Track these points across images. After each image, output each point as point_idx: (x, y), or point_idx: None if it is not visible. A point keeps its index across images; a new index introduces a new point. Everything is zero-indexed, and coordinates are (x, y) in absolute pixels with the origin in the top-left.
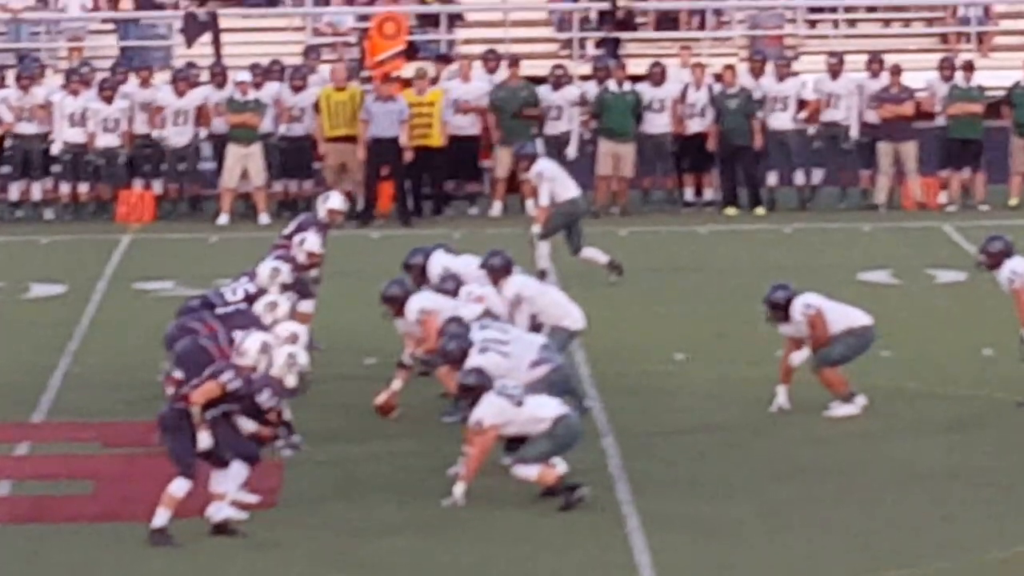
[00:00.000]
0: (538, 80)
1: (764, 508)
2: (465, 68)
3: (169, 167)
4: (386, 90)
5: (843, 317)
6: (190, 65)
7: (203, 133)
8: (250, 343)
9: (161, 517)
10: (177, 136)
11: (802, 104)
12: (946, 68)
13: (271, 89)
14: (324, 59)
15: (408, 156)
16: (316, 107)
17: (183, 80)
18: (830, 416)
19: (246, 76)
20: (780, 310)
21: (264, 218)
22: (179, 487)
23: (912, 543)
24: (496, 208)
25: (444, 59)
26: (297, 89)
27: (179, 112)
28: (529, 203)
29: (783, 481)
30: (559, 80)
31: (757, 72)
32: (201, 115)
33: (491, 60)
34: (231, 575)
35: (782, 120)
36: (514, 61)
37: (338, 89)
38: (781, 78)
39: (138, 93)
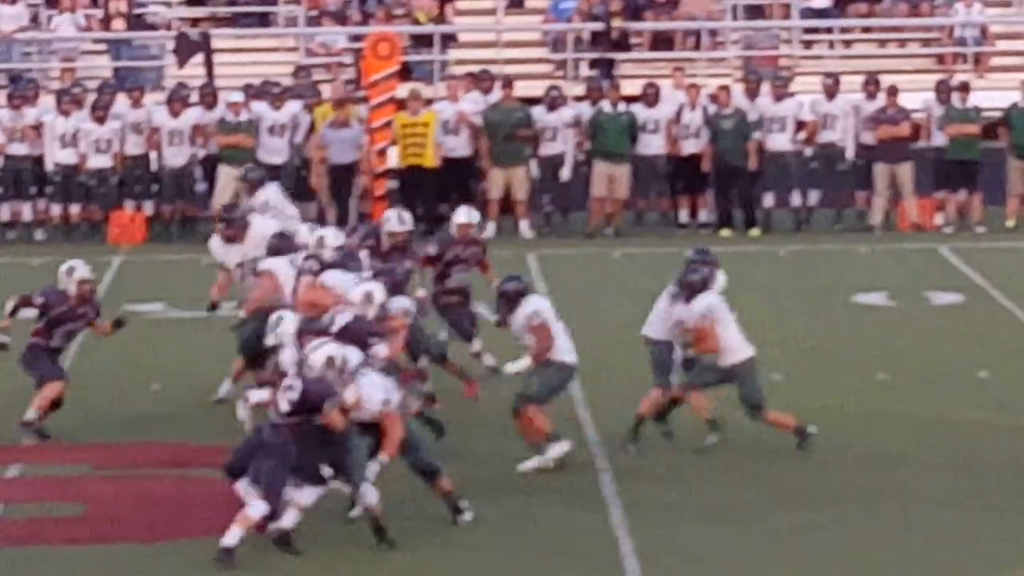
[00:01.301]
0: (532, 101)
1: (761, 534)
2: (453, 88)
3: (165, 188)
4: (341, 117)
5: (561, 348)
6: (181, 85)
7: (201, 153)
8: (316, 358)
9: (233, 536)
10: (174, 157)
11: (800, 125)
12: (942, 90)
13: (258, 109)
14: (316, 79)
15: (363, 181)
16: (312, 127)
17: (178, 100)
18: (522, 470)
19: (238, 96)
20: (510, 301)
21: None
22: (257, 510)
23: (911, 569)
24: (490, 229)
25: (485, 77)
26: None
27: (174, 132)
28: (523, 224)
29: (780, 507)
30: (554, 101)
31: (752, 93)
32: (197, 135)
33: (485, 80)
34: None
35: (780, 141)
36: (507, 82)
37: (334, 107)
38: (778, 99)
39: (129, 114)
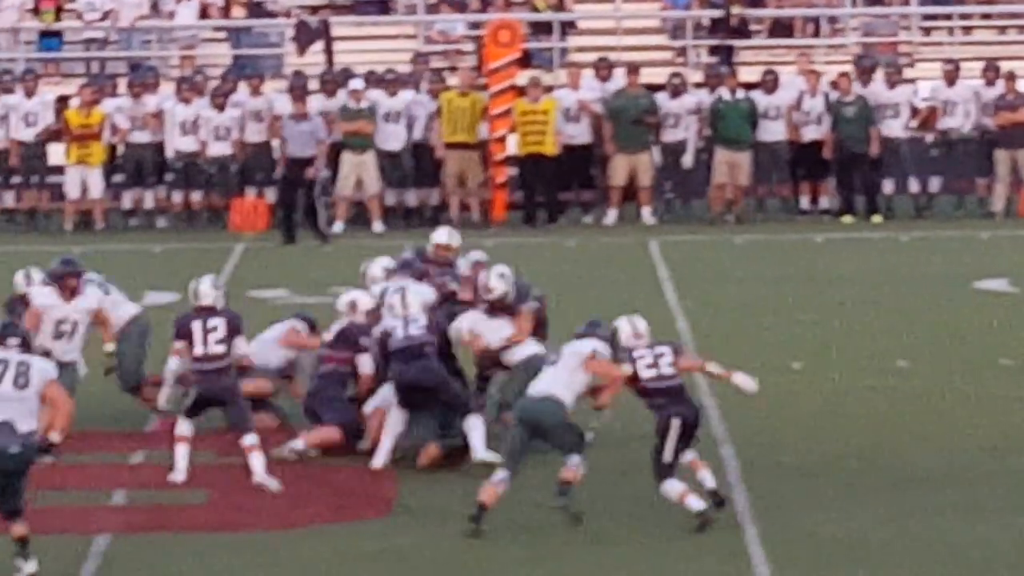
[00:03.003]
0: (651, 88)
1: (884, 519)
2: (574, 76)
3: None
4: (300, 109)
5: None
6: (296, 74)
7: None
8: None
9: (698, 502)
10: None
11: (914, 111)
12: None
13: (373, 96)
14: (434, 66)
15: (310, 173)
16: (438, 112)
17: (299, 88)
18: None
19: (359, 84)
20: None
21: (378, 226)
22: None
23: None
24: (611, 216)
25: (603, 65)
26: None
27: None
28: (645, 211)
29: (904, 492)
30: (677, 88)
31: (864, 79)
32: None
33: (603, 68)
34: None
35: (894, 128)
36: (633, 68)
37: (461, 95)
38: (892, 85)
39: (249, 102)
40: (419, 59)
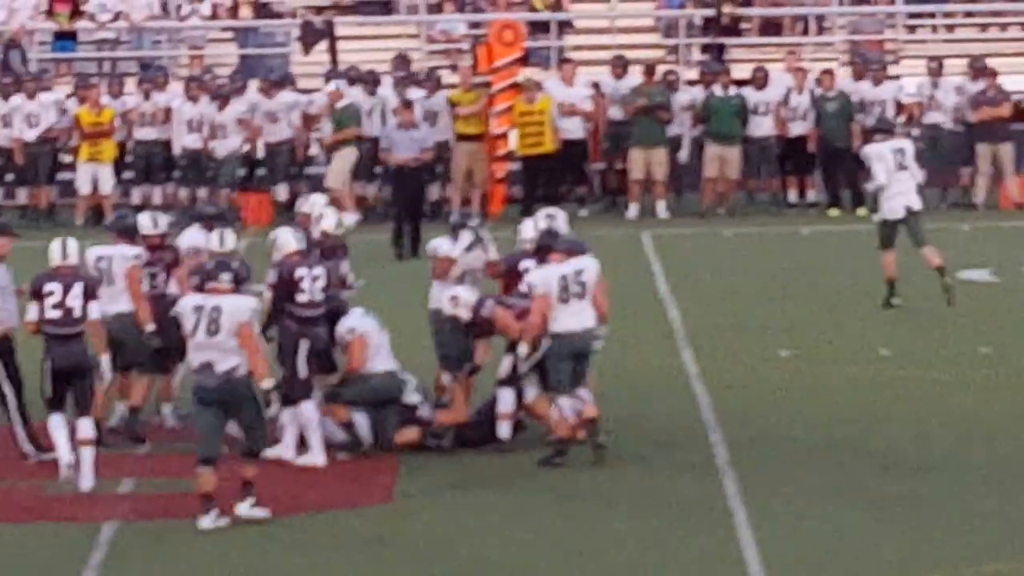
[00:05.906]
0: None
1: (870, 504)
2: (568, 73)
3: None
4: (408, 118)
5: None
6: (269, 72)
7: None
8: None
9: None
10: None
11: (900, 107)
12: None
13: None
14: (435, 65)
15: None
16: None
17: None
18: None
19: (341, 84)
20: None
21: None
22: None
23: (1017, 537)
24: (633, 211)
25: (619, 63)
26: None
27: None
28: (660, 205)
29: (890, 477)
30: (672, 85)
31: (859, 75)
32: (306, 121)
33: (618, 66)
34: (346, 569)
35: None
36: (649, 68)
37: (466, 91)
38: (877, 82)
39: (263, 102)
40: (399, 60)
